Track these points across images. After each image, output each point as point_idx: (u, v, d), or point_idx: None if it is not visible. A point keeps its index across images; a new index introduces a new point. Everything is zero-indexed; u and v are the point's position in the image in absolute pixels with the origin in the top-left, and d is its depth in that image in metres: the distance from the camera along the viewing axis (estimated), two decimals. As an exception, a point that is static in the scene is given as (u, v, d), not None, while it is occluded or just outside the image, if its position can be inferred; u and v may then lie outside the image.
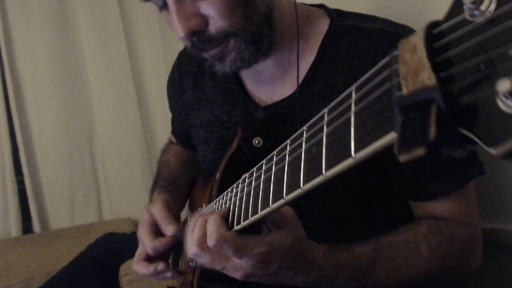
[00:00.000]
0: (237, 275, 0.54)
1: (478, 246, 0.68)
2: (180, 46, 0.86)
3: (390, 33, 0.67)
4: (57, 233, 1.91)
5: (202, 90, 0.86)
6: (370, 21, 0.71)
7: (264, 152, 0.71)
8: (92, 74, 2.04)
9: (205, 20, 0.63)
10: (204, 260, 0.54)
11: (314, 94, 0.70)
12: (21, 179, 1.99)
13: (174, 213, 0.82)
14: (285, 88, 0.74)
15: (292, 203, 0.76)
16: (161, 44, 2.12)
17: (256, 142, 0.69)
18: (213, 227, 0.52)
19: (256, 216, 0.47)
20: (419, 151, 0.22)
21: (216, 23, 0.63)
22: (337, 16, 0.73)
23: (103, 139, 2.07)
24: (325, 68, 0.70)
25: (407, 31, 0.69)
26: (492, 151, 0.19)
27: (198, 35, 0.64)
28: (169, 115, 1.07)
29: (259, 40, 0.67)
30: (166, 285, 0.92)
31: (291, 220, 0.54)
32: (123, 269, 1.08)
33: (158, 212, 0.78)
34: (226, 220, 0.55)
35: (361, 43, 0.68)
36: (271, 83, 0.76)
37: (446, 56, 0.23)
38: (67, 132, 2.03)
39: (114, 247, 0.97)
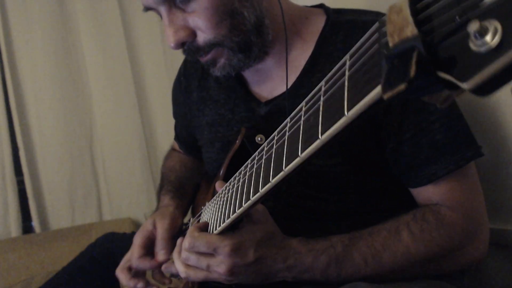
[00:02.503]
0: (222, 269, 0.59)
1: (478, 233, 0.66)
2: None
3: None
4: (57, 233, 1.91)
5: (207, 90, 0.89)
6: (364, 14, 0.74)
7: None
8: (92, 74, 2.04)
9: (193, 32, 0.69)
10: (192, 261, 0.62)
11: (312, 85, 0.72)
12: (21, 179, 1.98)
13: (178, 224, 0.86)
14: (283, 84, 0.76)
15: (293, 195, 0.78)
16: (161, 45, 2.12)
17: (259, 139, 0.73)
18: (187, 234, 0.62)
19: (251, 201, 0.49)
20: (401, 87, 0.25)
21: (203, 35, 0.68)
22: (333, 13, 0.77)
23: (103, 139, 2.06)
24: (322, 60, 0.73)
25: None
26: (464, 85, 0.22)
27: (187, 44, 0.70)
28: (169, 115, 1.08)
29: (247, 48, 0.71)
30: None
31: (262, 216, 0.62)
32: (123, 269, 1.08)
33: (162, 230, 0.81)
34: (203, 230, 0.64)
35: (357, 35, 0.70)
36: (270, 80, 0.79)
37: (427, 13, 0.25)
38: (67, 132, 2.03)
39: (114, 247, 0.98)
